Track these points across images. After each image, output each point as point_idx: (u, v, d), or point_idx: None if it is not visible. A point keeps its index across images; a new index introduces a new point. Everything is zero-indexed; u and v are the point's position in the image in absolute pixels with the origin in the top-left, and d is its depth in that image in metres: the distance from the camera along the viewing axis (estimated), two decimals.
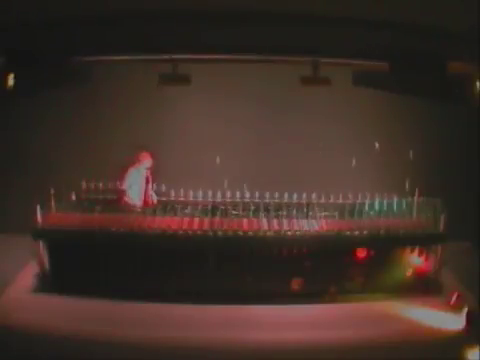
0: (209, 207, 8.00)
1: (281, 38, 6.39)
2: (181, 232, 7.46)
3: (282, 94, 8.93)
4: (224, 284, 7.30)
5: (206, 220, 7.72)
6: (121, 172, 8.01)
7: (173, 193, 8.35)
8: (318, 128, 9.12)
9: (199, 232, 7.49)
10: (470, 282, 7.41)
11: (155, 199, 8.27)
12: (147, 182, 8.20)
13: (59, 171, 8.53)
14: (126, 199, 8.01)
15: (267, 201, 7.98)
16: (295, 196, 8.05)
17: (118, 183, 8.14)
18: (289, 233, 7.49)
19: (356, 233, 7.51)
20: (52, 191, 7.68)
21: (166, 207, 8.09)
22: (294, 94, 8.66)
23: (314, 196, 7.99)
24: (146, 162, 8.15)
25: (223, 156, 8.92)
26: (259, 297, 7.19)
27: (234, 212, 7.89)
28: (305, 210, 7.94)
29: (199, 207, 8.05)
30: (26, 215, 7.37)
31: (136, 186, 8.07)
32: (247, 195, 8.01)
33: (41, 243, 7.52)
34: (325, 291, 7.46)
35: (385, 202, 7.93)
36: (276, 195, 8.06)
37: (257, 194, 8.00)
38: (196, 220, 7.75)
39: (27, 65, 6.39)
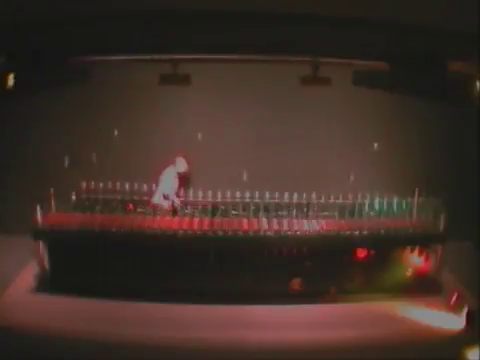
0: (209, 207, 8.00)
1: (281, 38, 6.37)
2: (181, 232, 7.47)
3: (282, 94, 8.92)
4: (224, 284, 7.31)
5: (206, 220, 7.73)
6: (155, 174, 8.00)
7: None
8: (318, 128, 9.12)
9: (199, 232, 7.50)
10: (470, 282, 7.42)
11: (178, 203, 8.11)
12: (178, 186, 8.14)
13: (59, 171, 8.51)
14: (153, 201, 7.97)
15: (267, 201, 7.96)
16: (295, 196, 8.04)
17: (154, 185, 8.08)
18: (289, 233, 7.50)
19: (356, 233, 7.52)
20: (52, 191, 7.69)
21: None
22: (294, 94, 8.66)
23: (314, 196, 7.97)
24: (180, 166, 8.11)
25: (223, 156, 8.92)
26: (259, 297, 7.20)
27: (234, 212, 7.88)
28: (305, 210, 7.95)
29: (199, 207, 8.05)
30: (26, 215, 7.37)
31: (164, 188, 8.00)
32: (247, 195, 8.00)
33: (41, 243, 7.52)
34: (325, 291, 7.47)
35: (385, 202, 7.94)
36: (276, 195, 8.05)
37: (257, 194, 7.99)
38: (196, 220, 7.76)
39: (27, 65, 6.38)
